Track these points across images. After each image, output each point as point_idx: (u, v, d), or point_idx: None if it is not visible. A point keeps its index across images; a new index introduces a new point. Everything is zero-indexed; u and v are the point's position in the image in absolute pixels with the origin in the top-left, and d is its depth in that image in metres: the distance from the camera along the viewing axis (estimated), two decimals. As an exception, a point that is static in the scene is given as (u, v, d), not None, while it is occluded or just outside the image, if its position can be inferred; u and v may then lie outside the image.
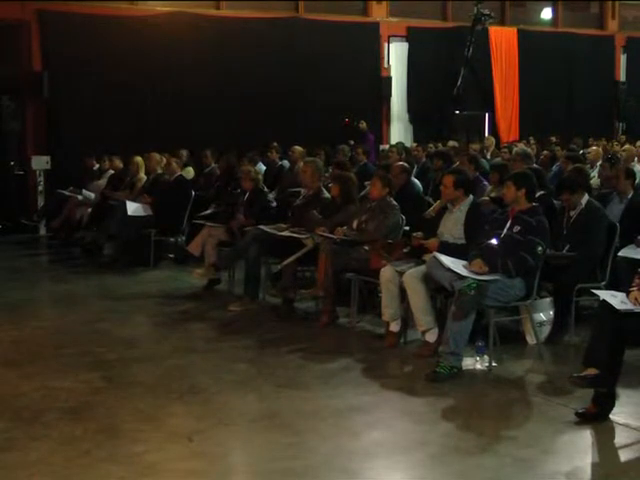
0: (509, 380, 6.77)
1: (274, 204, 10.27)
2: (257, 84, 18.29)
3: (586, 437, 5.57)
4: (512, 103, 22.71)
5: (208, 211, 11.44)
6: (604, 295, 5.85)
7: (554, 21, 24.62)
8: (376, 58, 20.68)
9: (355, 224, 8.53)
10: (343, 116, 19.43)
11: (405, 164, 10.34)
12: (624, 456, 5.37)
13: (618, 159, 12.78)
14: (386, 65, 21.05)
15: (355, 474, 4.98)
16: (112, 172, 14.52)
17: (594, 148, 15.23)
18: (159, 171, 12.68)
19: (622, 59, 25.25)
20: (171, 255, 12.43)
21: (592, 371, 5.58)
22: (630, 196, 8.90)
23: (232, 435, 5.64)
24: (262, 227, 9.20)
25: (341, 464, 5.08)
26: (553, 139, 18.80)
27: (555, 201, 8.67)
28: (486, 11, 20.33)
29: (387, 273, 7.56)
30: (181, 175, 12.61)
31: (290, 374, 6.88)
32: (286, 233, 8.92)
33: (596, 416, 5.73)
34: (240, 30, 18.31)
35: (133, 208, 11.93)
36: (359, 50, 19.85)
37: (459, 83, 20.38)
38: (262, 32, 18.51)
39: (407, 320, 7.63)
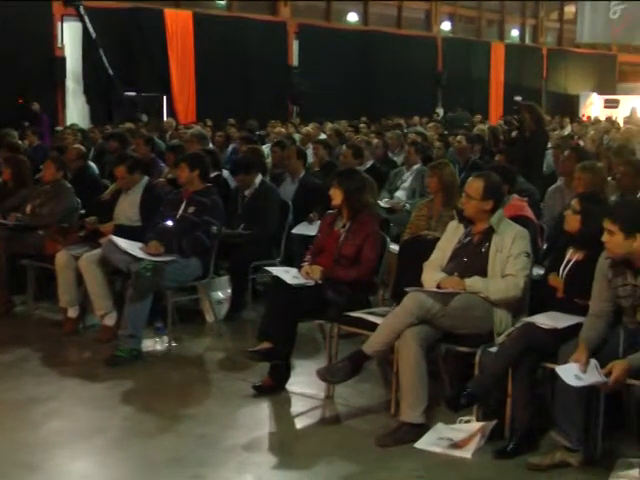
0: (189, 359, 6.85)
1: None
2: None
3: (264, 409, 5.77)
4: (189, 86, 22.93)
5: None
6: (276, 272, 6.07)
7: (229, 6, 25.09)
8: (49, 38, 20.14)
9: (29, 208, 8.25)
10: (15, 96, 18.74)
11: (81, 148, 10.09)
12: (299, 423, 5.62)
13: (294, 140, 13.20)
14: (60, 45, 20.53)
15: (35, 467, 4.86)
16: None
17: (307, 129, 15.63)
18: None
19: (295, 45, 26.22)
20: None
21: (266, 345, 5.76)
22: (302, 176, 9.23)
23: None
24: None
25: (20, 458, 4.94)
26: (231, 121, 19.12)
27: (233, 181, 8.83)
28: None
29: (62, 258, 7.37)
30: None
31: (-38, 369, 6.57)
32: (-46, 220, 8.48)
33: (273, 388, 5.94)
34: None
35: None
36: (29, 29, 19.20)
37: (106, 64, 20.14)
38: None
39: (85, 305, 7.49)
